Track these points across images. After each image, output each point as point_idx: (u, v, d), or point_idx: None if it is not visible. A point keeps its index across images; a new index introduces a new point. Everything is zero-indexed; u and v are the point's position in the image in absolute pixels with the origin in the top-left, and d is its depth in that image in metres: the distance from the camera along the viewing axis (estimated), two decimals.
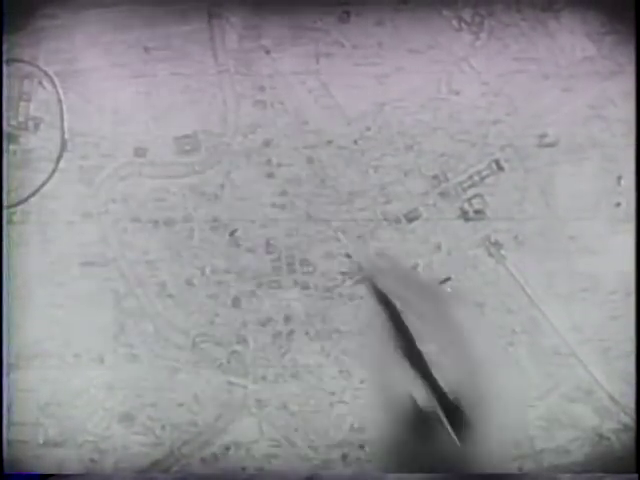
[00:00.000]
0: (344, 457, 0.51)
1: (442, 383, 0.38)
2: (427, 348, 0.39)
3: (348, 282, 0.51)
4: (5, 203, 0.51)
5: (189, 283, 0.51)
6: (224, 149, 0.51)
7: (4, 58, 0.51)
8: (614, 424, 0.50)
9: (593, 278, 0.50)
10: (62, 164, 0.51)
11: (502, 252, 0.50)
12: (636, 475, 0.48)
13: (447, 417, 0.36)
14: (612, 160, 0.50)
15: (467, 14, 0.50)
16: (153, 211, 0.51)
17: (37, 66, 0.51)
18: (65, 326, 0.52)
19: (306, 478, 0.51)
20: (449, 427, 0.36)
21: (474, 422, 0.36)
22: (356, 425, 0.51)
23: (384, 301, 0.41)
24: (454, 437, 0.36)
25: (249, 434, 0.51)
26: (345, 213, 0.51)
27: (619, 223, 0.50)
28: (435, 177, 0.51)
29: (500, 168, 0.50)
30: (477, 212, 0.50)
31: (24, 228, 0.52)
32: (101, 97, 0.51)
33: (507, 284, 0.50)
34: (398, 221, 0.51)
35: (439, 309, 0.39)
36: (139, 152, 0.51)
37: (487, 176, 0.50)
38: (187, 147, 0.51)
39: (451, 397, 0.37)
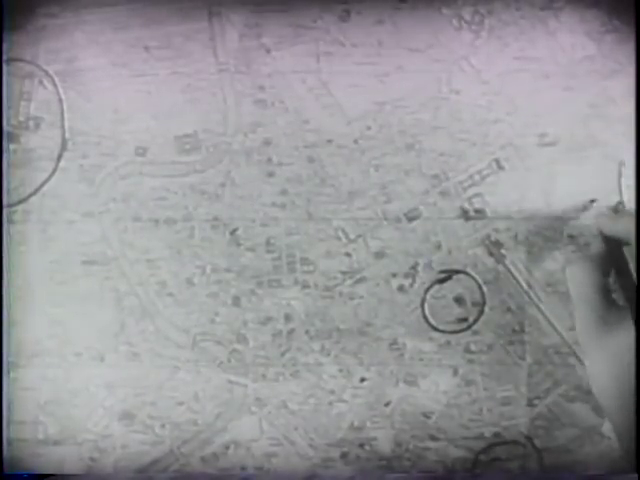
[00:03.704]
0: (344, 456, 0.51)
1: None
2: None
3: (348, 281, 0.51)
4: (6, 202, 0.51)
5: (189, 282, 0.51)
6: (224, 148, 0.51)
7: (4, 57, 0.51)
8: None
9: None
10: (63, 163, 0.52)
11: (502, 251, 0.50)
12: (636, 475, 0.48)
13: None
14: (612, 159, 0.50)
15: (467, 13, 0.50)
16: (154, 210, 0.51)
17: (38, 65, 0.51)
18: (65, 325, 0.52)
19: (306, 477, 0.51)
20: None
21: None
22: (356, 424, 0.51)
23: None
24: None
25: (249, 433, 0.52)
26: (345, 212, 0.51)
27: None
28: (435, 176, 0.51)
29: (500, 167, 0.50)
30: (477, 211, 0.50)
31: (25, 227, 0.52)
32: (101, 96, 0.51)
33: (507, 283, 0.50)
34: (398, 220, 0.51)
35: None
36: (139, 151, 0.51)
37: (487, 175, 0.50)
38: (187, 146, 0.51)
39: None
